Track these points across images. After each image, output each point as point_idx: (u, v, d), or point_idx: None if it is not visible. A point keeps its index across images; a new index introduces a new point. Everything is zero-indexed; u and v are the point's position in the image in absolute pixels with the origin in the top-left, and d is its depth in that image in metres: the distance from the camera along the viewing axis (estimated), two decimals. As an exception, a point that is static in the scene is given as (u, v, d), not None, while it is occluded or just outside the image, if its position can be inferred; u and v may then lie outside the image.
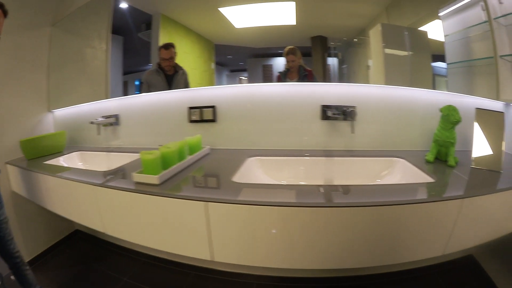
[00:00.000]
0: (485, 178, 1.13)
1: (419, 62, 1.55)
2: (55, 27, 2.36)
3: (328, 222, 0.94)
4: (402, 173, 1.32)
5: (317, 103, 1.53)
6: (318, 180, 1.40)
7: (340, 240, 0.97)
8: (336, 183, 1.38)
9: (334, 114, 1.48)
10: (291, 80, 1.59)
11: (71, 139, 2.24)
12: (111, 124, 1.93)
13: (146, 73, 1.86)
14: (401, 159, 1.38)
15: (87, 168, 1.88)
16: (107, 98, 1.98)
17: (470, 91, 1.52)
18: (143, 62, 2.01)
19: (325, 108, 1.52)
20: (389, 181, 1.33)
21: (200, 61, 1.81)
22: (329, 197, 0.97)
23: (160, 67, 1.81)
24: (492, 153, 1.21)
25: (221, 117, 1.65)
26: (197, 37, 1.86)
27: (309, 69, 1.56)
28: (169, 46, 1.77)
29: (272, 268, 1.61)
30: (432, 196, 0.96)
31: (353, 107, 1.48)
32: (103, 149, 1.95)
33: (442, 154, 1.36)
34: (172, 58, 1.79)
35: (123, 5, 2.10)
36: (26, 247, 1.94)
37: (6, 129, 1.81)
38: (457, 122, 1.28)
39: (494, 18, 1.41)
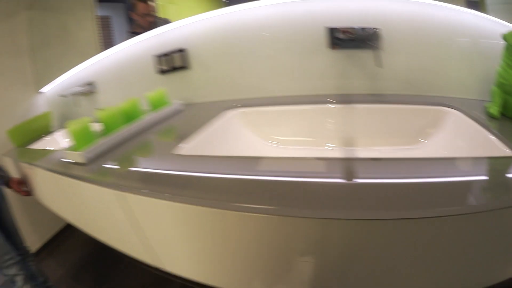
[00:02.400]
0: None
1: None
2: (32, 10, 2.32)
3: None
4: (456, 133, 0.88)
5: (320, 25, 1.09)
6: (331, 141, 1.00)
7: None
8: (360, 149, 0.94)
9: (347, 37, 1.05)
10: None
11: (64, 117, 2.16)
12: (91, 93, 1.74)
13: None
14: (452, 110, 0.93)
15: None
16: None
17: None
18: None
19: (333, 32, 1.08)
20: (438, 144, 0.90)
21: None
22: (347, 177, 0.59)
23: (133, 30, 1.55)
24: None
25: (195, 62, 1.26)
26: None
27: None
28: None
29: None
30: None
31: (376, 29, 1.03)
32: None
33: (510, 107, 0.84)
34: (151, 12, 1.53)
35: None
36: (33, 233, 1.97)
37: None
38: None
39: None
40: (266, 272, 0.64)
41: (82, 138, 0.91)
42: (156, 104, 1.17)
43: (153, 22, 1.51)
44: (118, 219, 0.76)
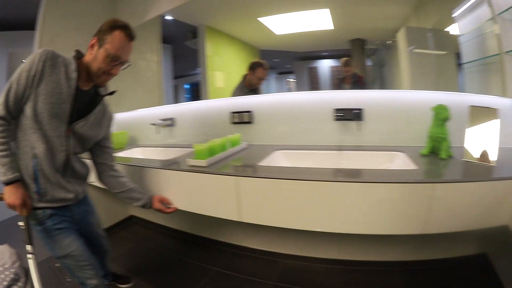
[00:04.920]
0: (472, 169, 1.26)
1: (444, 62, 1.63)
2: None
3: (332, 193, 1.24)
4: (399, 164, 1.56)
5: (331, 107, 1.88)
6: (332, 167, 1.65)
7: (341, 208, 1.25)
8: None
9: (343, 115, 1.82)
10: (346, 85, 1.87)
11: (131, 138, 2.82)
12: (168, 126, 2.49)
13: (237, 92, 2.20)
14: (401, 153, 1.60)
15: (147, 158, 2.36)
16: (160, 104, 2.53)
17: (486, 90, 1.61)
18: (191, 67, 2.44)
19: (337, 111, 1.85)
20: (392, 167, 1.57)
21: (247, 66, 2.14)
22: (334, 174, 1.34)
23: (248, 87, 2.10)
24: (484, 147, 1.31)
25: (256, 120, 2.10)
26: (241, 44, 2.19)
27: (360, 75, 1.81)
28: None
29: (294, 249, 2.06)
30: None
31: (360, 109, 1.79)
32: (161, 146, 2.50)
33: (436, 148, 1.51)
34: (265, 77, 2.08)
35: (169, 17, 2.50)
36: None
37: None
38: (446, 119, 1.46)
39: (498, 14, 1.46)
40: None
41: (202, 153, 1.62)
42: (234, 143, 1.94)
43: (262, 85, 2.09)
44: (228, 195, 1.43)
